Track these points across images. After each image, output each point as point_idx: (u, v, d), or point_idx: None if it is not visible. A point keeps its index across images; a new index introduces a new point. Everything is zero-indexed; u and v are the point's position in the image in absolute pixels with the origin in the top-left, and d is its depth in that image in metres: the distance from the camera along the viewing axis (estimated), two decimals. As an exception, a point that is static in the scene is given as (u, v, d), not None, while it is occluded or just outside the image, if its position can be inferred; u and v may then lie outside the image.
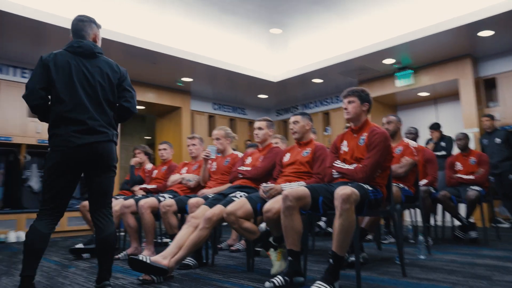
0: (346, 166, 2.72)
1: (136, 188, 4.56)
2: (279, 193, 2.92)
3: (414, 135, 4.83)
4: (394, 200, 3.36)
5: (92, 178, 2.28)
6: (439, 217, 4.81)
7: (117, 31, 5.60)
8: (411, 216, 4.86)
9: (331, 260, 2.31)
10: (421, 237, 3.46)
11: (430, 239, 4.18)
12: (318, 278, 2.29)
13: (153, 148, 9.04)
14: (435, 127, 6.05)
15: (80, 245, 3.88)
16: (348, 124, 3.10)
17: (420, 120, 7.81)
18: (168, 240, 4.18)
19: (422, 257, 3.40)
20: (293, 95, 8.77)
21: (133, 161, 4.94)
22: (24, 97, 2.22)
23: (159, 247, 4.13)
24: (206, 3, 5.61)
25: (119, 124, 2.71)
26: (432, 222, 4.53)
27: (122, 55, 6.13)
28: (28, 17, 4.84)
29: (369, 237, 4.44)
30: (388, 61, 6.67)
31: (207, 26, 6.28)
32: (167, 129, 8.51)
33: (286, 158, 3.31)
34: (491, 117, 5.80)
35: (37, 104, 2.23)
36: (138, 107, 8.04)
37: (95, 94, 2.27)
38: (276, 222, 2.70)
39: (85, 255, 3.88)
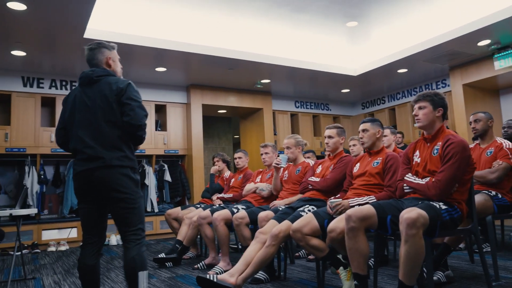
0: (418, 181, 2.47)
1: (214, 197, 4.70)
2: (346, 209, 2.76)
3: None
4: (485, 211, 3.00)
5: (107, 207, 2.25)
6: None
7: (194, 43, 5.80)
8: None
9: (398, 290, 2.12)
10: (521, 253, 3.01)
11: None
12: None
13: (239, 147, 9.30)
14: None
15: (162, 255, 4.12)
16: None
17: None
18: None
19: (522, 275, 2.96)
20: (378, 87, 8.28)
21: (213, 169, 5.09)
22: None
23: (238, 254, 4.22)
24: (278, 5, 5.52)
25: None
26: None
27: (200, 64, 6.36)
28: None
29: (461, 245, 4.00)
30: (485, 42, 5.92)
31: (281, 27, 6.20)
32: (250, 130, 8.65)
33: (356, 168, 3.12)
34: None
35: (60, 144, 2.41)
36: (220, 111, 8.31)
37: (95, 118, 2.23)
38: (341, 243, 2.56)
39: (168, 264, 4.11)
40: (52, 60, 5.83)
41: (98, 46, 2.42)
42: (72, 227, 6.09)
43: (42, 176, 6.12)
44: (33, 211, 3.89)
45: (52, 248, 5.72)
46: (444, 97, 2.59)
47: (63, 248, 5.78)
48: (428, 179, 2.42)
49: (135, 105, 2.22)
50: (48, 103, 6.47)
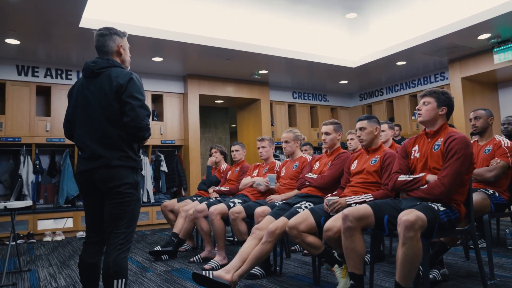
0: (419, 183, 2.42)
1: (211, 190, 4.68)
2: (343, 206, 2.75)
3: None
4: (482, 210, 3.00)
5: (104, 205, 2.18)
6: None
7: (191, 33, 5.73)
8: None
9: (394, 291, 2.12)
10: (516, 251, 3.02)
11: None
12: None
13: (236, 137, 9.28)
14: None
15: (158, 248, 4.12)
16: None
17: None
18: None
19: (517, 274, 2.98)
20: (376, 78, 8.23)
21: (210, 161, 5.06)
22: None
23: (234, 246, 4.23)
24: (276, -5, 5.46)
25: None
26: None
27: (197, 55, 6.29)
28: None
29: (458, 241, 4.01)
30: (485, 36, 5.87)
31: (280, 18, 6.13)
32: (247, 121, 8.60)
33: (354, 166, 3.10)
34: None
35: (68, 136, 2.34)
36: (217, 101, 8.26)
37: (96, 115, 2.14)
38: (337, 242, 2.55)
39: (164, 257, 4.11)
40: (47, 48, 5.74)
41: (110, 32, 2.27)
42: (68, 217, 6.07)
43: (37, 166, 6.08)
44: (27, 203, 3.85)
45: (48, 238, 5.71)
46: (452, 97, 2.55)
47: (59, 238, 5.77)
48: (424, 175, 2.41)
49: (136, 104, 2.08)
50: (43, 92, 6.40)
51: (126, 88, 2.10)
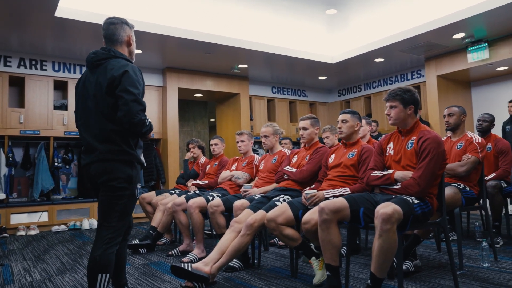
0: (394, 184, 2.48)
1: (189, 183, 4.67)
2: (321, 200, 2.80)
3: (489, 124, 4.13)
4: (453, 203, 3.11)
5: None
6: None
7: (170, 25, 5.67)
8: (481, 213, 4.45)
9: (369, 281, 2.18)
10: (484, 243, 3.14)
11: (500, 239, 3.81)
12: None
13: (215, 131, 9.25)
14: None
15: (136, 241, 4.09)
16: None
17: (499, 97, 7.08)
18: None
19: (485, 265, 3.10)
20: (355, 75, 8.35)
21: (187, 156, 5.04)
22: None
23: (212, 240, 4.25)
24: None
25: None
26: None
27: (176, 48, 6.23)
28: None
29: (430, 233, 4.14)
30: (459, 35, 6.03)
31: (260, 12, 6.12)
32: (226, 115, 8.59)
33: (331, 159, 3.15)
34: None
35: (77, 127, 2.30)
36: (196, 94, 8.21)
37: (92, 108, 2.13)
38: (315, 234, 2.59)
39: (142, 250, 4.08)
40: (21, 37, 5.57)
41: (121, 21, 2.25)
42: (42, 211, 5.94)
43: (10, 159, 5.93)
44: (0, 196, 3.75)
45: (22, 233, 5.59)
46: (414, 92, 2.59)
47: (33, 232, 5.65)
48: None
49: (128, 99, 2.01)
50: (16, 82, 6.23)
51: (120, 81, 2.05)
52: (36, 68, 6.23)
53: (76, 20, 4.97)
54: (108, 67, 2.11)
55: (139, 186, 2.65)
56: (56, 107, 6.39)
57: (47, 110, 6.25)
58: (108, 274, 2.06)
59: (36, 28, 5.22)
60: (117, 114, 2.06)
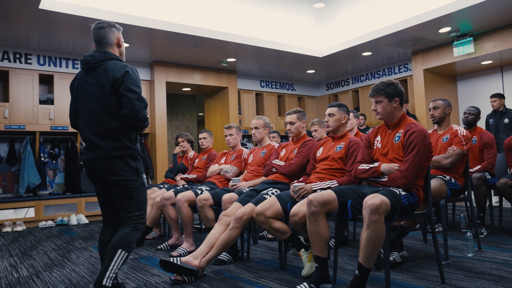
0: (382, 178, 2.50)
1: (178, 177, 4.66)
2: (309, 193, 2.82)
3: (474, 117, 4.21)
4: (439, 195, 3.15)
5: (110, 191, 2.35)
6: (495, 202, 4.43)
7: (158, 19, 5.62)
8: (466, 204, 4.53)
9: (357, 272, 2.21)
10: (469, 234, 3.20)
11: (484, 230, 3.89)
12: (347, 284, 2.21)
13: (203, 125, 9.23)
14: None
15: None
16: None
17: (483, 90, 7.19)
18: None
19: (470, 255, 3.16)
20: (343, 69, 8.39)
21: (176, 150, 5.03)
22: None
23: (202, 234, 4.25)
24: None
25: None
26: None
27: (164, 41, 6.19)
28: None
29: (417, 225, 4.21)
30: (445, 29, 6.09)
31: (248, 6, 6.11)
32: (214, 109, 8.57)
33: (319, 152, 3.18)
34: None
35: (73, 127, 2.46)
36: (185, 88, 8.17)
37: (95, 107, 2.26)
38: (303, 226, 2.62)
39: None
40: (4, 30, 5.47)
41: (109, 25, 2.39)
42: (29, 207, 5.87)
43: (-5, 154, 5.84)
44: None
45: (8, 229, 5.51)
46: (397, 84, 2.60)
47: (19, 228, 5.59)
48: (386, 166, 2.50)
49: (132, 97, 2.19)
50: (0, 76, 6.13)
51: (122, 81, 2.20)
52: (20, 62, 6.13)
53: (60, 12, 4.90)
54: (108, 68, 2.24)
55: (145, 176, 2.69)
56: (42, 102, 6.30)
57: (33, 105, 6.16)
58: (127, 253, 2.20)
59: (20, 20, 5.13)
60: (121, 111, 2.21)
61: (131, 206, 2.28)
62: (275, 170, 3.43)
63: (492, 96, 5.83)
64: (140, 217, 2.30)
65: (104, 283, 2.12)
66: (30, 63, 6.20)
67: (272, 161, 3.49)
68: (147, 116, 2.26)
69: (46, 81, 6.55)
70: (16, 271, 3.32)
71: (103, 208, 2.43)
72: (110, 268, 2.15)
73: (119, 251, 2.17)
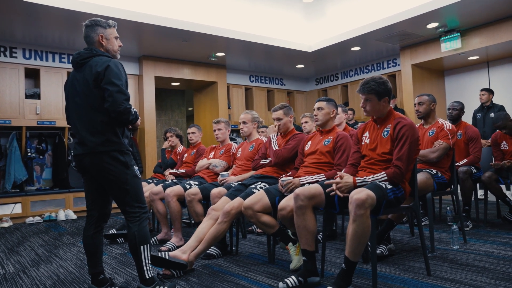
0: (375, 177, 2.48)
1: (167, 172, 4.64)
2: (297, 187, 2.83)
3: (458, 112, 4.25)
4: (426, 189, 3.19)
5: (99, 183, 2.39)
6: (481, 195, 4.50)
7: (147, 12, 5.56)
8: (452, 198, 4.59)
9: (343, 265, 2.23)
10: (454, 226, 3.25)
11: (469, 222, 3.95)
12: (333, 278, 2.23)
13: (192, 120, 9.18)
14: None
15: (113, 231, 4.06)
16: None
17: (470, 85, 7.28)
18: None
19: (455, 247, 3.21)
20: (332, 63, 8.41)
21: (165, 145, 5.00)
22: None
23: (190, 228, 4.25)
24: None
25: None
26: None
27: (153, 35, 6.13)
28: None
29: (403, 219, 4.25)
30: (433, 25, 6.13)
31: (238, 0, 6.08)
32: (203, 103, 8.54)
33: (308, 146, 3.19)
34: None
35: (69, 123, 2.47)
36: (173, 83, 8.12)
37: (83, 103, 2.31)
38: (291, 220, 2.63)
39: (119, 240, 4.06)
40: (-11, 24, 5.38)
41: (92, 23, 2.41)
42: (16, 203, 5.80)
43: (-20, 149, 5.75)
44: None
45: (-6, 225, 5.45)
46: (386, 82, 2.58)
47: (5, 224, 5.52)
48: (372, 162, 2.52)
49: (113, 90, 2.20)
50: (-15, 70, 6.02)
51: (104, 75, 2.23)
52: (5, 55, 6.03)
53: (46, 5, 4.82)
54: (92, 64, 2.29)
55: (136, 168, 2.58)
56: (28, 96, 6.21)
57: (19, 99, 6.06)
58: (148, 245, 2.33)
59: (4, 13, 5.04)
60: (104, 105, 2.24)
61: (128, 199, 2.33)
62: (263, 162, 3.44)
63: (482, 90, 5.90)
64: (141, 208, 2.37)
65: (146, 277, 2.31)
66: (16, 57, 6.10)
67: (260, 162, 3.48)
68: (131, 108, 2.25)
69: (32, 75, 6.45)
70: (2, 267, 3.28)
71: (89, 200, 2.45)
72: (143, 264, 2.31)
73: (141, 248, 2.30)
